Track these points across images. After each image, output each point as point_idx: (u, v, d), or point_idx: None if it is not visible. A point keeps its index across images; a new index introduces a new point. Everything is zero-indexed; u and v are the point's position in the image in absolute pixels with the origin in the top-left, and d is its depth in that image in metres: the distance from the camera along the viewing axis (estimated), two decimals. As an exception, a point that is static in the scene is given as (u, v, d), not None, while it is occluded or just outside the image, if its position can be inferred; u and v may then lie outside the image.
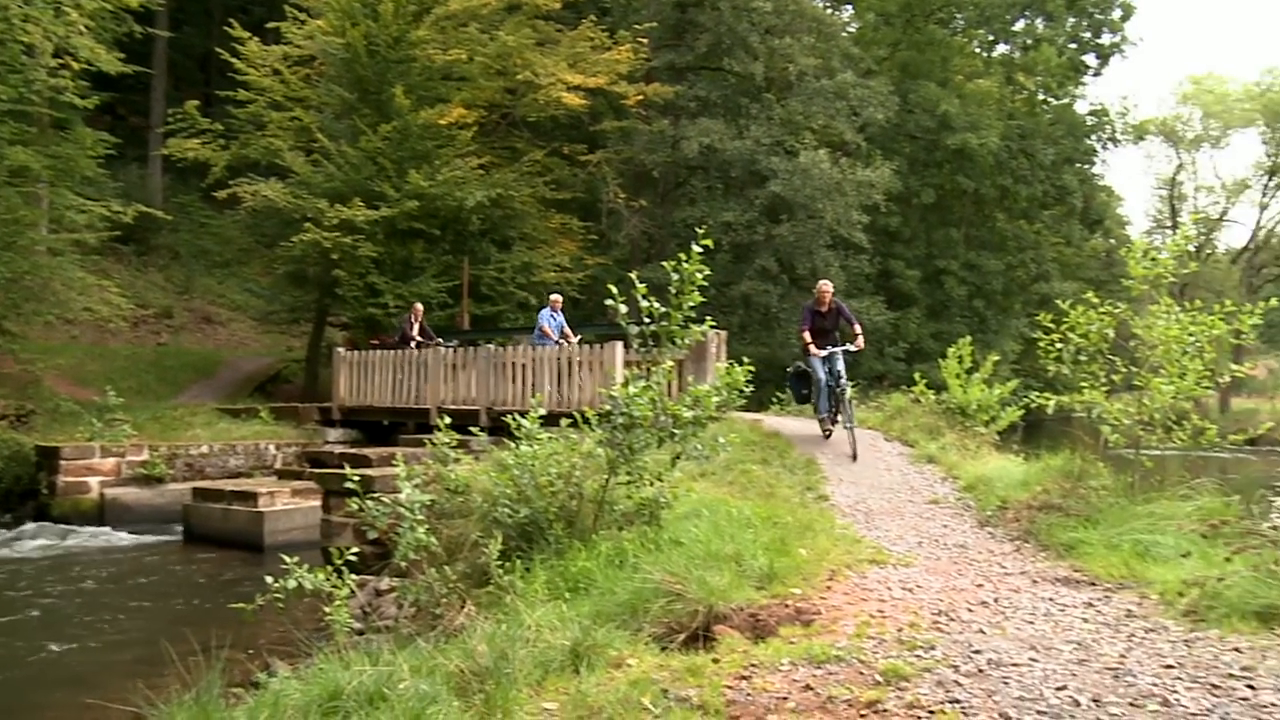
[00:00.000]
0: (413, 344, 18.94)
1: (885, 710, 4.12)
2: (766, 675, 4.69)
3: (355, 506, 7.70)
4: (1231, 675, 4.53)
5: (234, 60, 26.03)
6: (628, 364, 13.40)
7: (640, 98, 29.23)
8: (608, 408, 7.91)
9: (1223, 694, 4.27)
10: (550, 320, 18.23)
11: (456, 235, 25.54)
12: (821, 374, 13.16)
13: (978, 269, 41.07)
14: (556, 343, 17.31)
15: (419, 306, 20.51)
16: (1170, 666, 4.71)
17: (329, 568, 6.56)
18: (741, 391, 8.60)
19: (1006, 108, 43.06)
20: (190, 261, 32.84)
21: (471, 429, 9.72)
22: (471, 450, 9.44)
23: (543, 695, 4.61)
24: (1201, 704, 4.13)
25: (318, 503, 13.86)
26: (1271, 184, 58.50)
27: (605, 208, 30.61)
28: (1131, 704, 4.14)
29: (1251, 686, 4.35)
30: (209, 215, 33.62)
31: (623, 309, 8.05)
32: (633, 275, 8.00)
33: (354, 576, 6.62)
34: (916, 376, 17.87)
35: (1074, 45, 45.88)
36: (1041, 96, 46.20)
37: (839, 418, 13.25)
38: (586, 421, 8.07)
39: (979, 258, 41.36)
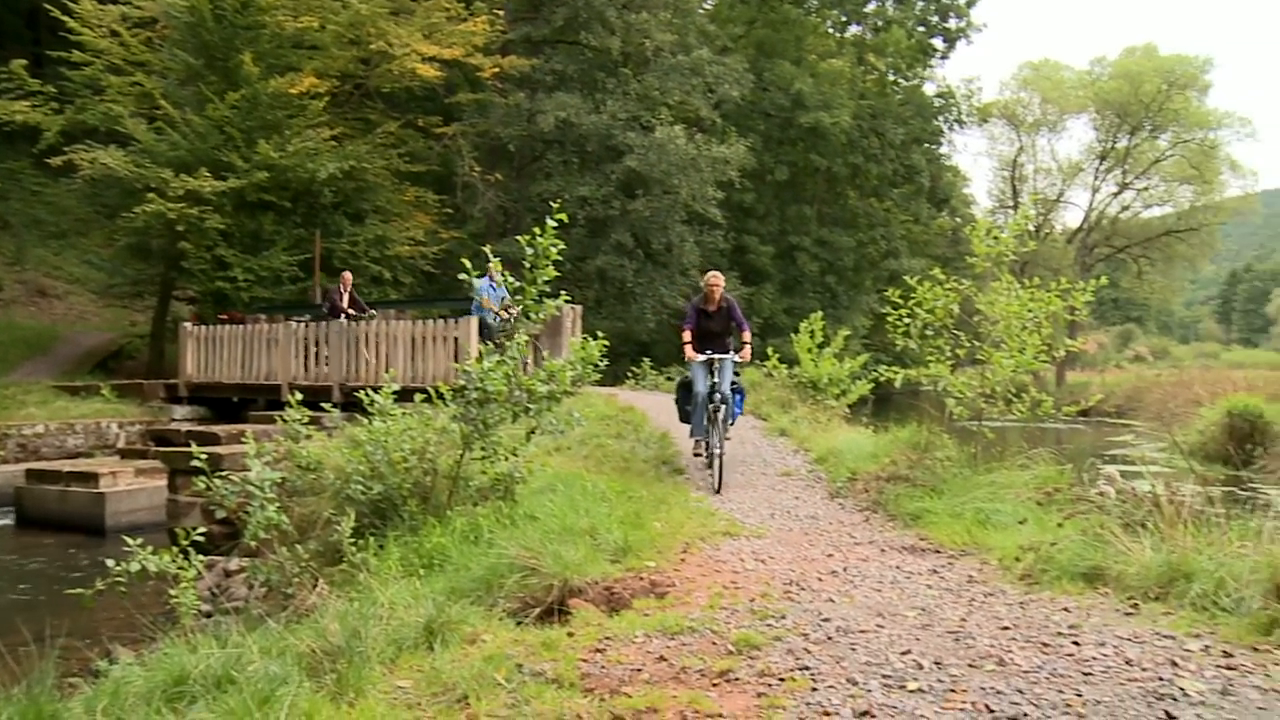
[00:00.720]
0: (344, 316, 18.10)
1: (737, 679, 4.19)
2: (621, 647, 4.73)
3: (203, 485, 7.46)
4: (1060, 633, 4.74)
5: (66, 19, 24.79)
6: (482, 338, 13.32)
7: (496, 70, 28.94)
8: (462, 383, 7.85)
9: (1052, 651, 4.48)
10: (490, 290, 17.08)
11: (308, 208, 24.92)
12: (700, 384, 10.74)
13: (830, 245, 41.90)
14: (497, 314, 16.49)
15: (348, 275, 19.51)
16: (1006, 628, 4.91)
17: (174, 549, 6.36)
18: (597, 366, 8.62)
19: (858, 87, 43.99)
20: (22, 231, 31.25)
21: (324, 405, 9.54)
22: (324, 427, 9.26)
23: (396, 673, 4.57)
24: (1033, 661, 4.32)
25: (163, 483, 13.40)
26: (1102, 168, 61.04)
27: (460, 181, 30.27)
28: (970, 665, 4.30)
29: (1076, 643, 4.57)
30: (42, 182, 32.01)
31: (477, 283, 7.99)
32: (487, 249, 7.94)
33: (202, 557, 6.43)
34: (769, 351, 18.16)
35: (922, 28, 47.13)
36: (892, 77, 47.34)
37: (713, 444, 10.41)
38: (441, 397, 8.00)
39: (831, 234, 42.20)
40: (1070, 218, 63.97)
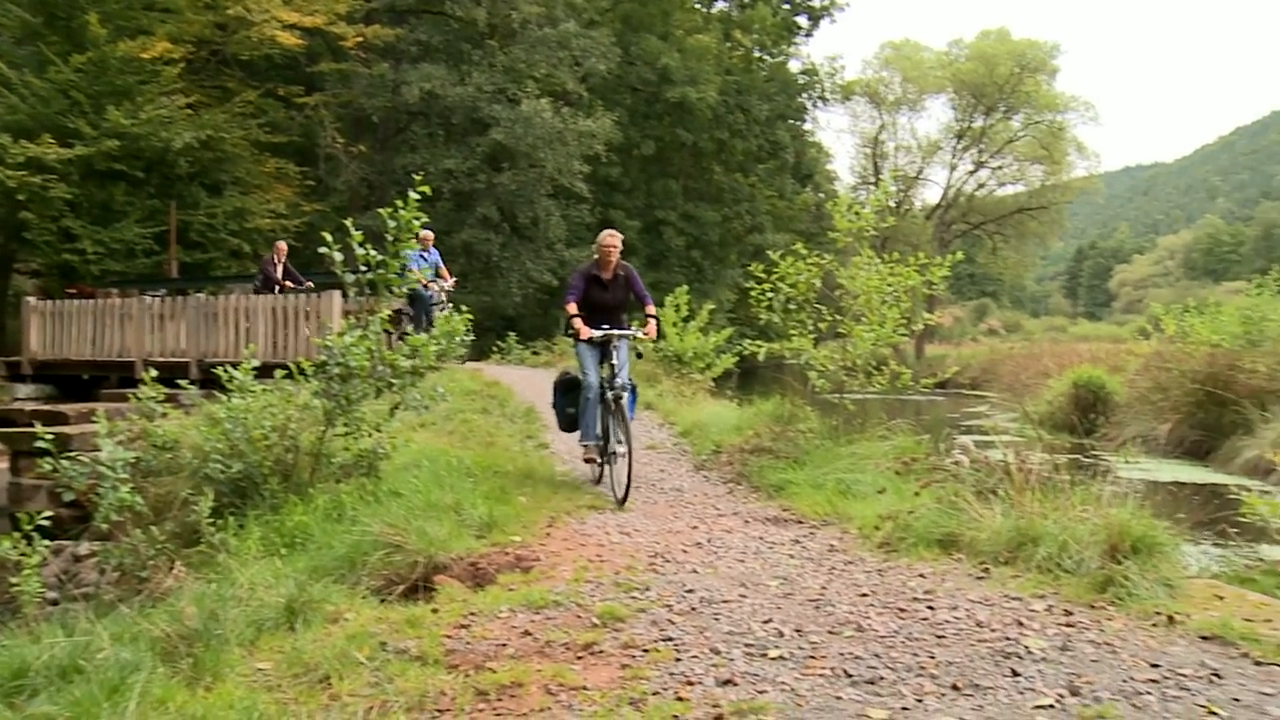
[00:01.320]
0: (278, 288, 16.97)
1: (602, 651, 4.23)
2: (486, 623, 4.73)
3: (49, 467, 7.19)
4: (916, 599, 4.91)
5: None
6: (345, 313, 13.08)
7: (359, 40, 28.32)
8: (324, 358, 7.71)
9: (908, 616, 4.63)
10: (420, 261, 16.41)
11: (163, 178, 24.04)
12: (592, 372, 8.66)
13: (695, 220, 42.21)
14: (426, 286, 16.26)
15: (283, 245, 18.42)
16: (865, 595, 5.05)
17: (16, 534, 6.12)
18: (462, 341, 8.56)
19: (724, 63, 44.28)
20: None
21: (180, 382, 9.26)
22: (181, 404, 8.99)
23: (256, 655, 4.49)
24: (890, 626, 4.46)
25: (5, 465, 12.87)
26: (959, 146, 62.64)
27: (323, 153, 29.61)
28: (830, 632, 4.41)
29: (931, 607, 4.74)
30: None
31: (339, 257, 7.84)
32: (349, 222, 7.79)
33: (48, 542, 6.18)
34: (635, 325, 18.21)
35: (787, 6, 47.68)
36: (757, 54, 47.79)
37: (614, 443, 8.28)
38: (302, 372, 7.85)
39: (697, 209, 42.50)
40: (929, 195, 65.75)
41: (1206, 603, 4.73)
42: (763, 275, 10.53)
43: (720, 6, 48.34)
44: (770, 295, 10.45)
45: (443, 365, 9.25)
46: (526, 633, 4.54)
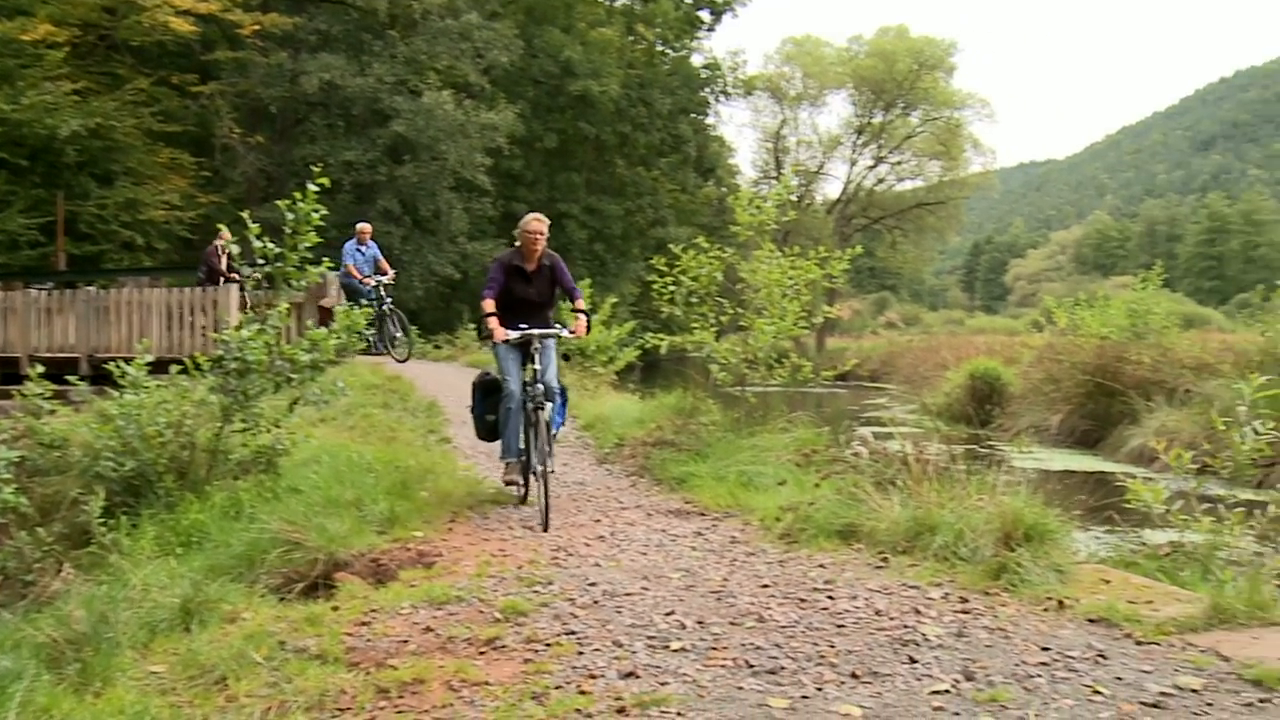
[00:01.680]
0: (223, 280, 15.94)
1: (504, 646, 4.21)
2: (387, 620, 4.69)
3: (-76, 467, 6.94)
4: (816, 589, 4.98)
5: None
6: (242, 307, 12.81)
7: (256, 27, 27.70)
8: (220, 353, 7.56)
9: (808, 606, 4.69)
10: (357, 255, 16.19)
11: (49, 167, 23.26)
12: (513, 377, 7.57)
13: (598, 213, 42.17)
14: (362, 281, 15.82)
15: (226, 232, 17.78)
16: (766, 586, 5.11)
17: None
18: (362, 335, 8.46)
19: (627, 57, 44.28)
20: None
21: (70, 378, 9.01)
22: (70, 401, 8.75)
23: (150, 658, 4.38)
24: (790, 616, 4.52)
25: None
26: (859, 142, 63.57)
27: (219, 143, 28.92)
28: (731, 623, 4.45)
29: (831, 597, 4.82)
30: None
31: (236, 250, 7.70)
32: (245, 215, 7.65)
33: (-78, 546, 5.99)
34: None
35: (690, 0, 47.79)
36: (660, 48, 47.84)
37: (536, 461, 7.28)
38: (198, 368, 7.68)
39: (600, 202, 42.46)
40: (830, 189, 66.40)
41: (1094, 587, 4.87)
42: (665, 269, 10.56)
43: (623, 1, 48.33)
44: (672, 289, 10.49)
45: (343, 359, 9.14)
46: (428, 629, 4.51)
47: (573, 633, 4.35)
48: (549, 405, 7.57)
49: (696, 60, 49.49)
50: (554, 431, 7.87)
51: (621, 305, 27.95)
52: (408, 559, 5.91)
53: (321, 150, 29.06)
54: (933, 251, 78.11)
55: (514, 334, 7.52)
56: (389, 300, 16.11)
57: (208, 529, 6.44)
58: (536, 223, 7.94)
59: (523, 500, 7.77)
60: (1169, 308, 20.68)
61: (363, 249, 16.32)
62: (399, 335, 16.39)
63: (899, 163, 64.31)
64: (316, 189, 7.65)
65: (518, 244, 7.98)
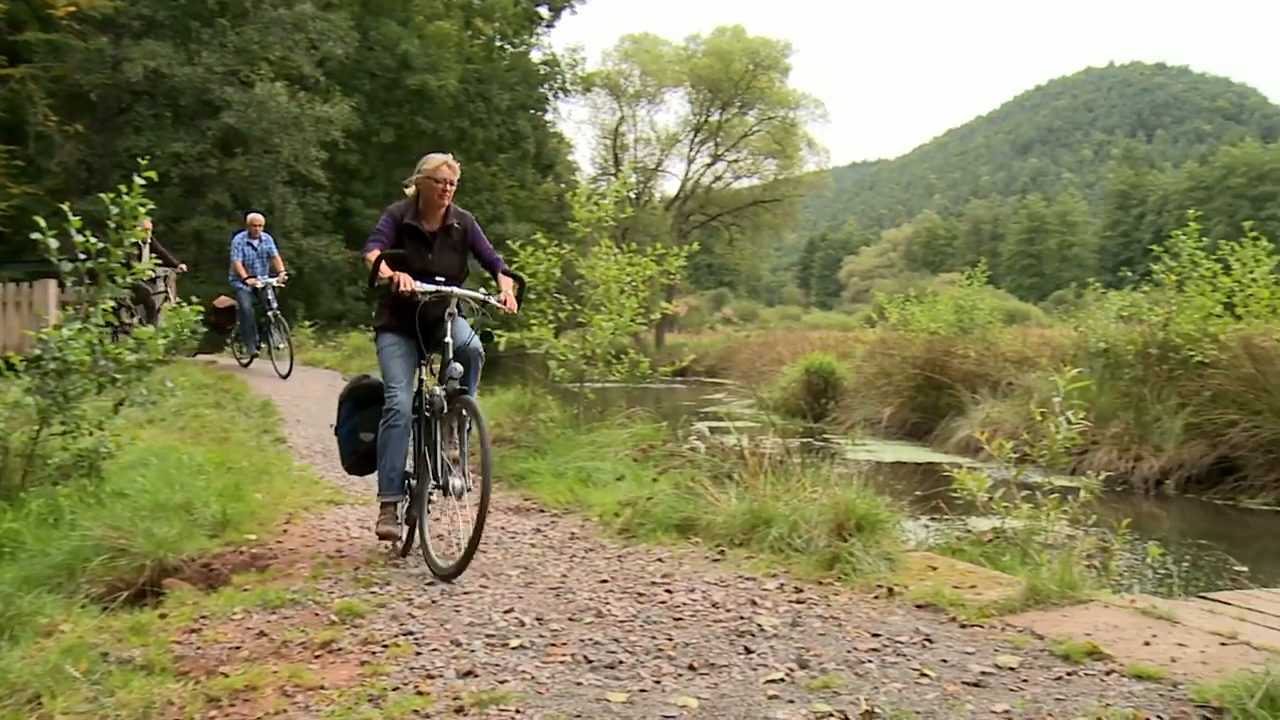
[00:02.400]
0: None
1: (340, 649, 4.14)
2: (218, 625, 4.56)
3: None
4: (654, 583, 5.04)
5: None
6: (62, 304, 12.25)
7: (72, 9, 26.36)
8: (38, 352, 7.23)
9: (646, 600, 4.75)
10: (247, 250, 14.51)
11: None
12: (401, 387, 5.74)
13: (438, 209, 41.68)
14: (245, 282, 14.32)
15: (146, 221, 15.97)
16: (605, 581, 5.15)
17: None
18: (194, 333, 8.19)
19: (465, 52, 43.87)
20: None
21: None
22: None
23: (-45, 677, 4.16)
24: (629, 611, 4.56)
25: None
26: (697, 140, 64.32)
27: (33, 130, 27.54)
28: (570, 619, 4.47)
29: (669, 590, 4.88)
30: None
31: (54, 244, 7.36)
32: (66, 207, 7.32)
33: None
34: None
35: (529, -4, 47.63)
36: (499, 43, 47.54)
37: (454, 481, 5.62)
38: (12, 368, 7.33)
39: (439, 198, 41.97)
40: (668, 186, 66.98)
41: (922, 574, 5.06)
42: (504, 266, 10.52)
43: (461, -6, 47.86)
44: (512, 285, 10.46)
45: (172, 358, 8.84)
46: (262, 634, 4.40)
47: (410, 633, 4.30)
48: (476, 409, 5.53)
49: (535, 56, 49.33)
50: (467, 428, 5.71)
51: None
52: (241, 562, 5.76)
53: (147, 141, 27.92)
54: (769, 248, 79.66)
55: (427, 286, 5.61)
56: (275, 306, 14.44)
57: (23, 538, 6.11)
58: (447, 168, 5.84)
59: (403, 553, 5.90)
60: (993, 304, 21.50)
61: (254, 243, 14.64)
62: (282, 346, 14.77)
63: (736, 161, 65.34)
64: (143, 182, 7.38)
65: (413, 194, 5.96)
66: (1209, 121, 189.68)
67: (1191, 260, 13.26)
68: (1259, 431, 10.92)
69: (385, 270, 5.63)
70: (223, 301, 15.05)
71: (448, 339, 5.64)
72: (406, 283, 5.54)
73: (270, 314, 14.39)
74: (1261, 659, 3.51)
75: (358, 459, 6.15)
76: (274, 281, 14.45)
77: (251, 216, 14.99)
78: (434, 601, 4.81)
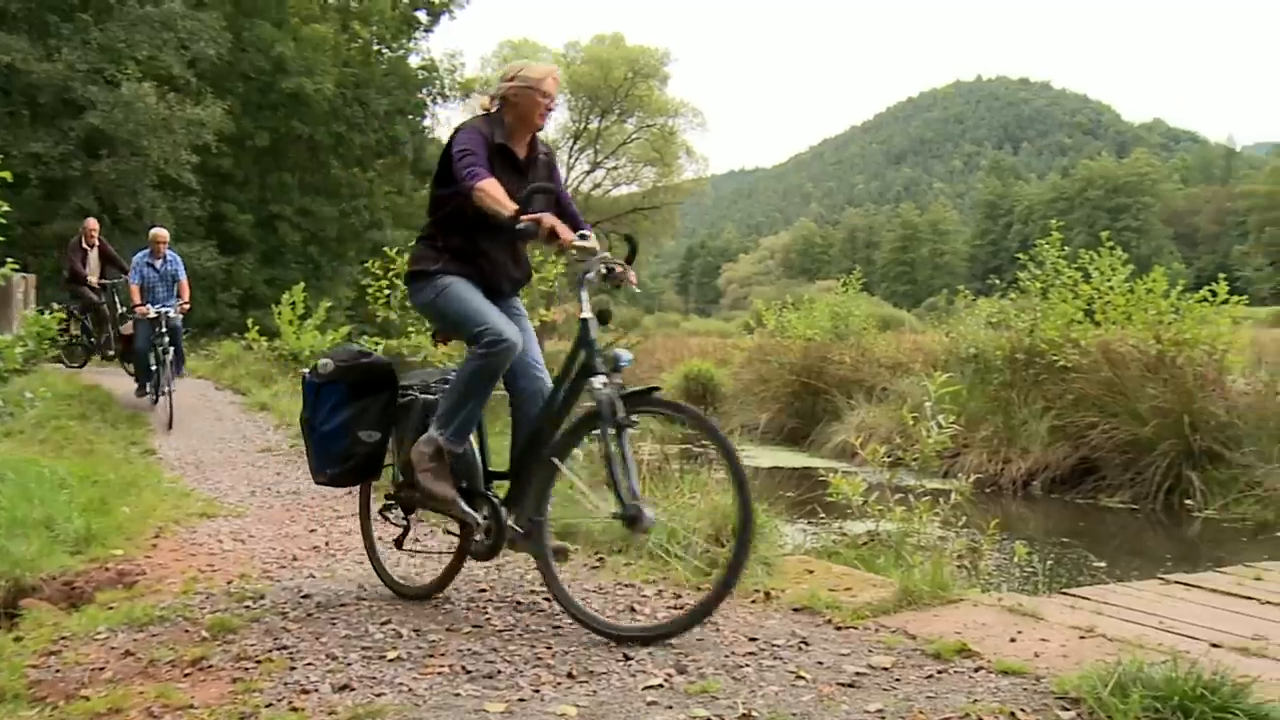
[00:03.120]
0: (88, 288, 13.42)
1: (211, 666, 4.04)
2: (80, 646, 4.40)
3: None
4: (533, 591, 5.03)
5: None
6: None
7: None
8: (-115, 363, 6.90)
9: (525, 610, 4.73)
10: (147, 272, 12.11)
11: None
12: (507, 326, 4.58)
13: (313, 215, 40.99)
14: (136, 310, 11.88)
15: (93, 222, 14.08)
16: (484, 590, 5.12)
17: None
18: (54, 341, 7.92)
19: (342, 55, 43.22)
20: None
21: None
22: None
23: None
24: (508, 620, 4.54)
25: None
26: (576, 147, 64.48)
27: None
28: (449, 629, 4.43)
29: (548, 599, 4.86)
30: None
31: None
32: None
33: None
34: (250, 323, 17.62)
35: (407, 0, 47.16)
36: (376, 47, 46.95)
37: (647, 513, 4.36)
38: None
39: (314, 204, 41.27)
40: (549, 193, 66.80)
41: (799, 577, 5.14)
42: (381, 272, 10.42)
43: (337, -4, 47.15)
44: (389, 292, 10.37)
45: (32, 368, 8.52)
46: (128, 653, 4.27)
47: (285, 647, 4.21)
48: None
49: (414, 61, 48.85)
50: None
51: (337, 309, 27.37)
52: (106, 580, 5.57)
53: (3, 140, 26.92)
54: (648, 255, 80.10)
55: (587, 243, 4.39)
56: (168, 341, 11.79)
57: None
58: (553, 81, 4.72)
59: (398, 544, 5.31)
60: (868, 310, 21.95)
61: (156, 264, 12.22)
62: (169, 388, 11.80)
63: (615, 168, 65.69)
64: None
65: (500, 110, 4.69)
66: (1069, 135, 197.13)
67: (1055, 269, 13.76)
68: (1116, 433, 11.34)
69: (499, 198, 4.27)
70: (130, 329, 13.00)
71: (586, 314, 4.40)
72: (564, 232, 4.29)
73: (158, 351, 11.73)
74: (1115, 650, 3.67)
75: (351, 467, 4.90)
76: (170, 310, 11.92)
77: (154, 232, 12.51)
78: (309, 615, 4.72)
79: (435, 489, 4.57)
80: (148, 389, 12.24)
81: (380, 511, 5.17)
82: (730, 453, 4.12)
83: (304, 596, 5.06)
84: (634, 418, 4.27)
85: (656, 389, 4.33)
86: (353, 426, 4.79)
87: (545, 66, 4.72)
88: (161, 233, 12.44)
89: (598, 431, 4.34)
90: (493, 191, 4.25)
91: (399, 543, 5.18)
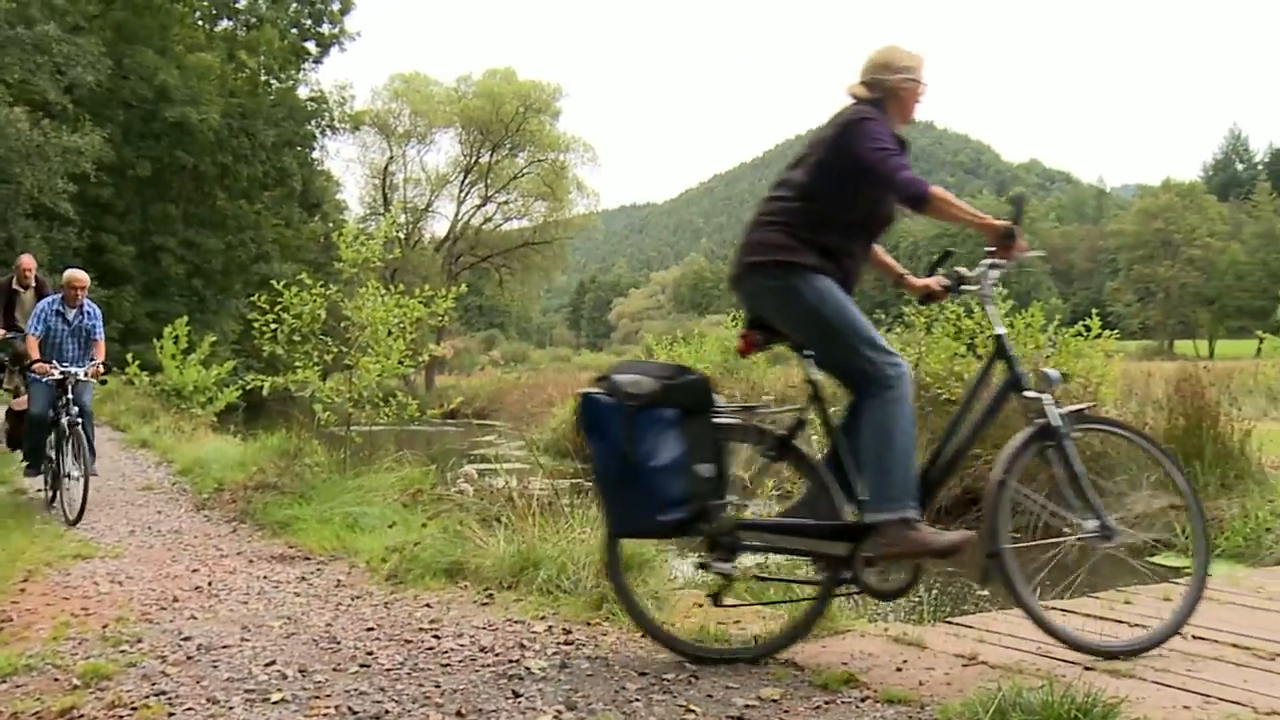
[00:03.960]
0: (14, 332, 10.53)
1: (83, 714, 3.89)
2: (-59, 697, 4.22)
3: None
4: (422, 629, 4.97)
5: None
6: None
7: None
8: None
9: (414, 647, 4.67)
10: (52, 322, 9.46)
11: None
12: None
13: (197, 247, 40.19)
14: (34, 369, 9.11)
15: (28, 260, 11.15)
16: (371, 629, 5.04)
17: None
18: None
19: (229, 85, 42.58)
20: None
21: None
22: None
23: None
24: (396, 659, 4.47)
25: None
26: (467, 181, 64.22)
27: None
28: (335, 669, 4.35)
29: (437, 636, 4.82)
30: None
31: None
32: None
33: None
34: (130, 358, 17.18)
35: (296, 30, 46.68)
36: (264, 77, 46.37)
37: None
38: None
39: (198, 236, 40.48)
40: (438, 227, 66.52)
41: (689, 610, 5.15)
42: (267, 306, 10.26)
43: (225, 25, 46.42)
44: (275, 327, 10.21)
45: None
46: (-10, 705, 4.10)
47: (163, 693, 4.08)
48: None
49: (303, 92, 48.35)
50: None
51: (222, 344, 26.83)
52: (-31, 626, 5.35)
53: None
54: (539, 290, 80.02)
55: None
56: (76, 411, 8.93)
57: None
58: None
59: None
60: (756, 344, 22.12)
61: (69, 314, 9.59)
62: (75, 473, 8.78)
63: (506, 202, 65.54)
64: None
65: (882, 100, 4.36)
66: (952, 174, 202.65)
67: (939, 304, 14.07)
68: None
69: (971, 215, 4.15)
70: (21, 403, 10.39)
71: (999, 330, 4.26)
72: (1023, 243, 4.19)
73: (66, 421, 8.93)
74: (996, 676, 3.76)
75: (692, 509, 4.11)
76: (80, 373, 9.17)
77: (70, 274, 9.71)
78: (190, 658, 4.59)
79: (940, 543, 4.06)
80: (43, 474, 9.58)
81: (699, 566, 4.46)
82: (1174, 466, 4.22)
83: (184, 639, 4.92)
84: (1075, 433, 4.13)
85: (1091, 405, 4.39)
86: (689, 462, 4.07)
87: (916, 52, 4.43)
88: (79, 275, 9.70)
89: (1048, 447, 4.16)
90: (953, 201, 4.04)
91: (716, 599, 4.45)
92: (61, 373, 8.96)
